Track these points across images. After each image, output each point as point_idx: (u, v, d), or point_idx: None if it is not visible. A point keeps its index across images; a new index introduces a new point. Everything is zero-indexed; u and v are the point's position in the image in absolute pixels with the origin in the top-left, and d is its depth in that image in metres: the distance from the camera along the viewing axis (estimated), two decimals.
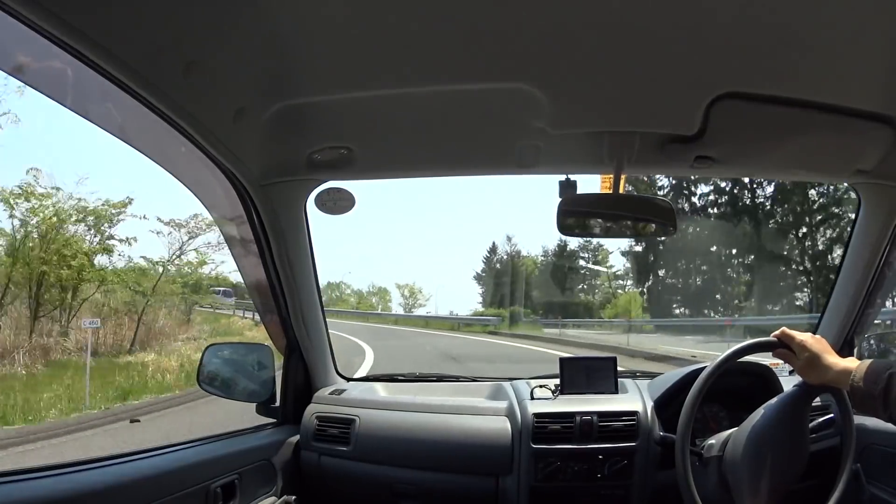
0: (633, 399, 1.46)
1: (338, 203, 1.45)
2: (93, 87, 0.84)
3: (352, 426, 1.49)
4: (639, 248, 21.97)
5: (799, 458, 1.10)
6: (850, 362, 1.04)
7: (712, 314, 18.68)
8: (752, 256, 18.58)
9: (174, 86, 0.89)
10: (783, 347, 1.11)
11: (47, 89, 0.84)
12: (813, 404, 1.41)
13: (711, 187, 19.28)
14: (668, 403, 1.40)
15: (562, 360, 1.55)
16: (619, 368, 1.56)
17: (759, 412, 1.13)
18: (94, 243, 9.46)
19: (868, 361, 1.03)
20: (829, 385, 1.08)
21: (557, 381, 1.53)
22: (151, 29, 0.79)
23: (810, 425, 1.17)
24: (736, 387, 1.34)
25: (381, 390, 1.72)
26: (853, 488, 1.35)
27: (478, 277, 28.53)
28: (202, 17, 0.80)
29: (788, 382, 1.21)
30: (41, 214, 8.72)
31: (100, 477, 0.98)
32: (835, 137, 1.16)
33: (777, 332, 1.13)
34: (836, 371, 1.04)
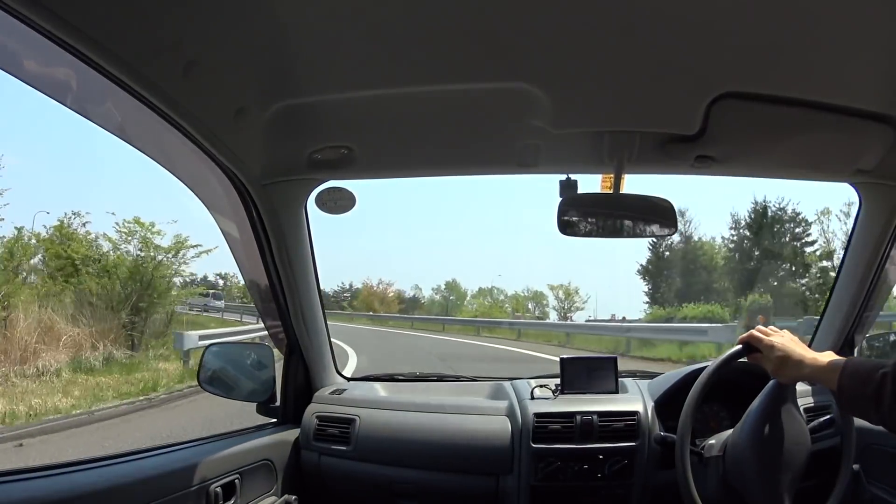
0: (634, 399, 1.47)
1: (338, 203, 1.46)
2: (93, 87, 0.84)
3: (352, 426, 1.49)
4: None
5: (794, 452, 1.10)
6: (829, 357, 1.00)
7: None
8: None
9: (174, 85, 0.89)
10: (754, 351, 1.09)
11: (47, 89, 0.85)
12: (813, 404, 1.42)
13: None
14: (668, 403, 1.40)
15: (562, 359, 1.56)
16: (619, 368, 1.57)
17: (747, 412, 1.14)
18: None
19: (855, 359, 0.99)
20: (803, 381, 1.04)
21: (558, 380, 1.53)
22: (151, 28, 0.79)
23: (809, 426, 1.17)
24: (737, 386, 1.34)
25: (381, 390, 1.73)
26: (853, 488, 1.35)
27: (643, 271, 23.44)
28: (202, 17, 0.80)
29: None
30: None
31: (100, 477, 0.98)
32: (835, 137, 1.16)
33: (744, 336, 1.11)
34: (813, 367, 1.00)
